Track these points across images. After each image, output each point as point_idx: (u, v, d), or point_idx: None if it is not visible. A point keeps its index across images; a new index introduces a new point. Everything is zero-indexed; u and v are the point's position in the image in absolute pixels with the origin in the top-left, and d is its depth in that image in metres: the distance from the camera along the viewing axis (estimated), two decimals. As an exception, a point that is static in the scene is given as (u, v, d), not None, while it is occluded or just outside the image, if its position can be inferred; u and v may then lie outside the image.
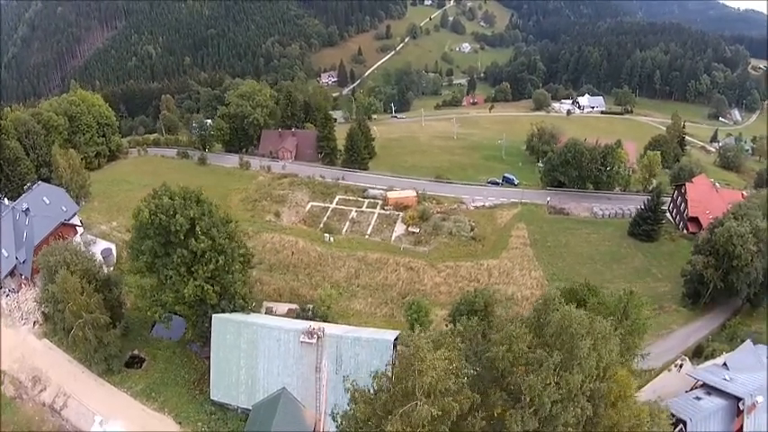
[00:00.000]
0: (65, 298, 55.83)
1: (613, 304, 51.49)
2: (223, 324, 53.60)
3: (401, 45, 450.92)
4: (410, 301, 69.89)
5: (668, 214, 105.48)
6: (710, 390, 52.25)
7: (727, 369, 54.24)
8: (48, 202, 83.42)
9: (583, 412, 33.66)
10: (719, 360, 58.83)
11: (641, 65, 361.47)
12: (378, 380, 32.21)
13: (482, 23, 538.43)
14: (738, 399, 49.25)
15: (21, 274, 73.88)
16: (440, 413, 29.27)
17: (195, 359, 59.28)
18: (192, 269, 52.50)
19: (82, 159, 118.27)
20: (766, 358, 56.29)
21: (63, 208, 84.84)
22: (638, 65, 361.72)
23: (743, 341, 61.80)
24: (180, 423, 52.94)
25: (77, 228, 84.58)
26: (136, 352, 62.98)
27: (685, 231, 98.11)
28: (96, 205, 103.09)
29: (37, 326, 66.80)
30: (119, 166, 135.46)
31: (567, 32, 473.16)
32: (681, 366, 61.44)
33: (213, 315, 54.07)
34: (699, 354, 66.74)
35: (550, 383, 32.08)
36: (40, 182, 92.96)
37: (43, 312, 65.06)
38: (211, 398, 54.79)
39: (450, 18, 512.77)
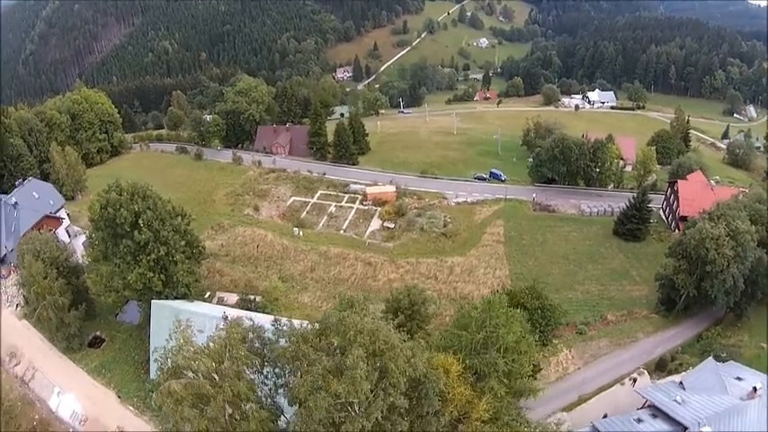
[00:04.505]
0: (30, 282, 61.57)
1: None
2: (160, 309, 57.15)
3: (418, 40, 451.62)
4: (343, 296, 68.38)
5: (661, 213, 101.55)
6: (657, 412, 46.14)
7: (683, 389, 48.16)
8: (37, 196, 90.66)
9: (393, 427, 33.40)
10: (678, 377, 53.24)
11: (656, 60, 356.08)
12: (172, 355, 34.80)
13: (501, 18, 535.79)
14: (685, 427, 43.00)
15: (10, 262, 79.42)
16: (192, 393, 31.98)
17: (147, 342, 62.33)
18: (138, 258, 56.83)
19: (84, 155, 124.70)
20: (735, 378, 48.78)
21: (50, 202, 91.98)
22: (652, 60, 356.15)
23: (717, 355, 55.60)
24: (120, 397, 57.54)
25: (62, 220, 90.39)
26: (98, 333, 67.85)
27: (677, 231, 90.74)
28: (91, 199, 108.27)
29: (19, 308, 71.81)
30: (119, 162, 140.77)
31: (585, 27, 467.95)
32: (635, 381, 57.86)
33: (152, 301, 58.14)
34: (662, 367, 62.02)
35: (320, 389, 31.81)
36: (31, 178, 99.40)
37: (24, 296, 69.84)
38: (151, 377, 57.56)
39: (469, 13, 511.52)
